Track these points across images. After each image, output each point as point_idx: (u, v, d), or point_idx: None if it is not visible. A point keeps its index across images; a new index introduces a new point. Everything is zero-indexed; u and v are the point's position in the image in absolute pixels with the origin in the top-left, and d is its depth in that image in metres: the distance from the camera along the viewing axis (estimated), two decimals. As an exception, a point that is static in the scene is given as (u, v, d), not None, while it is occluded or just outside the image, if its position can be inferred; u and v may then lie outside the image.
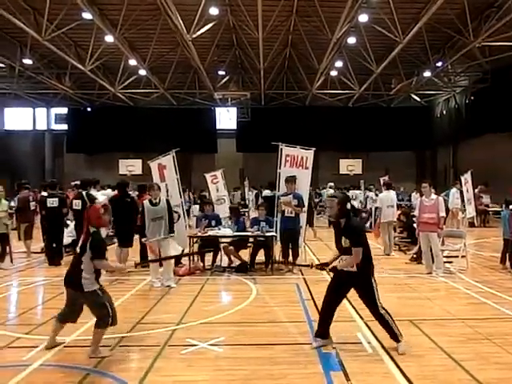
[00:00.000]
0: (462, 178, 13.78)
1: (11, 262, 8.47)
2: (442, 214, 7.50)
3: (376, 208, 11.04)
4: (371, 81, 20.18)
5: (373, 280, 4.02)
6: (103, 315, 3.87)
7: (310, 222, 12.02)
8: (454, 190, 13.60)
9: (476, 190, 14.69)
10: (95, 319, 3.92)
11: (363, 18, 13.99)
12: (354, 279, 4.02)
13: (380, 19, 14.14)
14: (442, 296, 6.21)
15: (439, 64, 18.32)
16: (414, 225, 8.60)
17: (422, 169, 25.97)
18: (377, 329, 4.44)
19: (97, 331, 3.89)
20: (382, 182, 12.17)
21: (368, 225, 12.60)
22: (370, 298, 4.02)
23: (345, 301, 5.61)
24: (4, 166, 25.60)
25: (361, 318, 4.92)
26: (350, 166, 24.42)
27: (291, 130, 22.27)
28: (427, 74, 19.14)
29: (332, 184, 16.55)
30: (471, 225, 14.20)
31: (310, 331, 4.49)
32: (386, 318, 3.99)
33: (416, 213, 7.95)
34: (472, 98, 20.84)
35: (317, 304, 5.30)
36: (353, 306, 5.29)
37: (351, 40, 16.30)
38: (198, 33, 14.21)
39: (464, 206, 13.80)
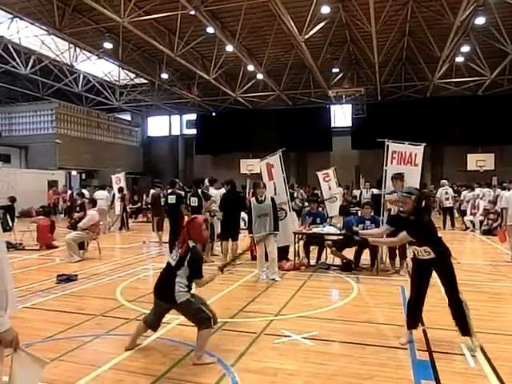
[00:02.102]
0: None
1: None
2: None
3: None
4: (506, 64, 17.81)
5: (452, 264, 3.98)
6: (203, 320, 3.77)
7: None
8: None
9: None
10: (197, 326, 3.83)
11: (494, -7, 12.52)
12: (434, 263, 4.01)
13: (515, -8, 12.50)
14: None
15: None
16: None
17: None
18: (485, 341, 4.09)
19: (200, 335, 3.78)
20: None
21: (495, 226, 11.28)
22: (450, 281, 3.97)
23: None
24: (147, 167, 29.92)
25: (469, 327, 4.57)
26: (479, 161, 21.74)
27: (411, 124, 20.93)
28: None
29: (445, 181, 14.99)
30: None
31: (407, 336, 4.34)
32: (465, 307, 3.88)
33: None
34: None
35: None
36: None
37: (479, 20, 14.67)
38: (311, 33, 14.39)
39: None
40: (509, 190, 11.20)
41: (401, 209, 4.17)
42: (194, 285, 3.96)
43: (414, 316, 4.16)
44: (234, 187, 8.61)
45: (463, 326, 3.91)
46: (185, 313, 3.89)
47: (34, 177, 20.20)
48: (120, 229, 14.69)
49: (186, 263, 3.77)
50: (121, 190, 15.05)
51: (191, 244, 3.85)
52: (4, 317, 1.96)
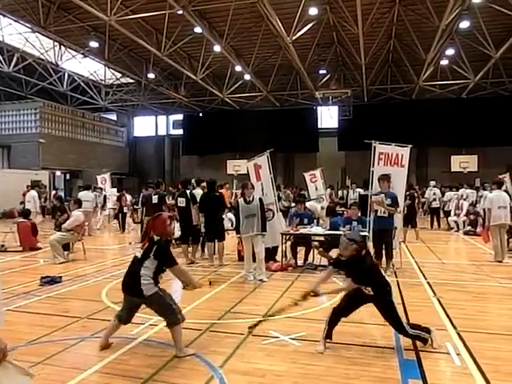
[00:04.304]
0: None
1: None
2: None
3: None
4: (489, 67, 18.15)
5: (393, 300, 4.06)
6: (171, 317, 3.89)
7: (412, 223, 11.44)
8: None
9: None
10: (166, 321, 3.95)
11: (478, -2, 12.76)
12: (373, 299, 4.10)
13: (498, -3, 12.75)
14: None
15: None
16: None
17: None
18: (470, 340, 4.16)
19: (172, 330, 3.91)
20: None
21: (478, 228, 11.48)
22: (391, 317, 4.02)
23: (439, 308, 5.34)
24: (133, 167, 29.64)
25: (454, 327, 4.60)
26: (463, 162, 22.15)
27: (397, 125, 21.21)
28: None
29: (434, 182, 15.27)
30: None
31: (393, 336, 4.36)
32: (414, 333, 3.99)
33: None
34: None
35: (407, 309, 5.12)
36: (447, 315, 5.00)
37: (464, 24, 14.97)
38: (298, 34, 14.45)
39: None
40: (491, 190, 11.40)
41: (341, 252, 4.12)
42: (181, 285, 3.96)
43: (332, 326, 4.13)
44: (211, 187, 8.56)
45: (420, 340, 4.02)
46: (154, 307, 3.97)
47: (16, 177, 19.79)
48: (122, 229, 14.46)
49: (152, 255, 3.86)
50: (120, 190, 15.04)
51: (156, 238, 3.95)
52: None
